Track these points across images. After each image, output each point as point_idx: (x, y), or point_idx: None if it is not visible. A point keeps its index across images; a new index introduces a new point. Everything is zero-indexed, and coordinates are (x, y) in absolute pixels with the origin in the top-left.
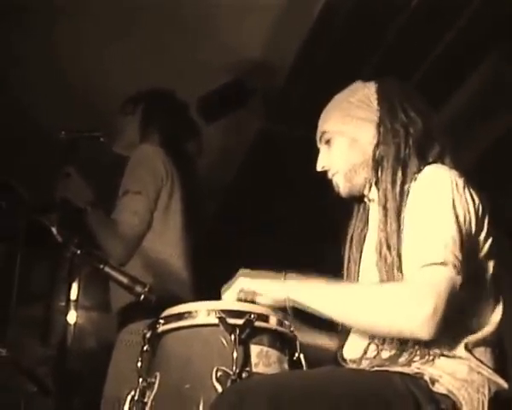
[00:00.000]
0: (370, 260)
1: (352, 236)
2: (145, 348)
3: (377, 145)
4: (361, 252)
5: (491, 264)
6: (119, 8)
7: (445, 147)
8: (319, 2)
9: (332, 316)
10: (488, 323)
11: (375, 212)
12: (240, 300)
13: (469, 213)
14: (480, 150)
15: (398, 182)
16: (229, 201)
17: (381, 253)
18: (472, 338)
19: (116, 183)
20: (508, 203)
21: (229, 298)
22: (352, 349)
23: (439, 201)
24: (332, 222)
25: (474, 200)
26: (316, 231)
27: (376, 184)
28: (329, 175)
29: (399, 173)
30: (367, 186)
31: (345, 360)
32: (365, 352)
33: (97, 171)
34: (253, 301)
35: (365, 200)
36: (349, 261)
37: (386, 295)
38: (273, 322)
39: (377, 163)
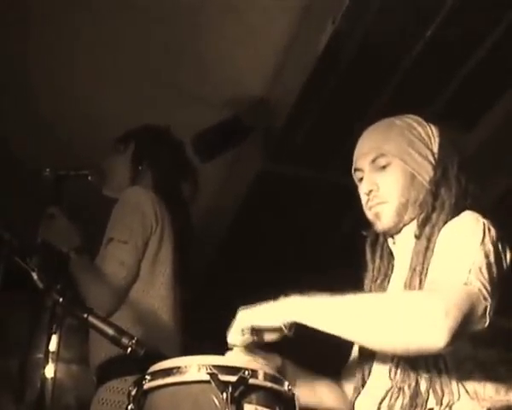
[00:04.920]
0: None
1: (371, 287)
2: (130, 408)
3: (436, 187)
4: None
5: None
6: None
7: (475, 196)
8: (326, 34)
9: (342, 333)
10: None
11: (403, 251)
12: (245, 342)
13: (498, 255)
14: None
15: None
16: (225, 249)
17: (411, 281)
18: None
19: (105, 226)
20: None
21: (234, 341)
22: (365, 405)
23: (472, 236)
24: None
25: (505, 250)
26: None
27: (422, 223)
28: (372, 202)
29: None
30: (408, 225)
31: None
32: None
33: (84, 213)
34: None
35: (390, 242)
36: None
37: (405, 301)
38: (269, 379)
39: (432, 205)
